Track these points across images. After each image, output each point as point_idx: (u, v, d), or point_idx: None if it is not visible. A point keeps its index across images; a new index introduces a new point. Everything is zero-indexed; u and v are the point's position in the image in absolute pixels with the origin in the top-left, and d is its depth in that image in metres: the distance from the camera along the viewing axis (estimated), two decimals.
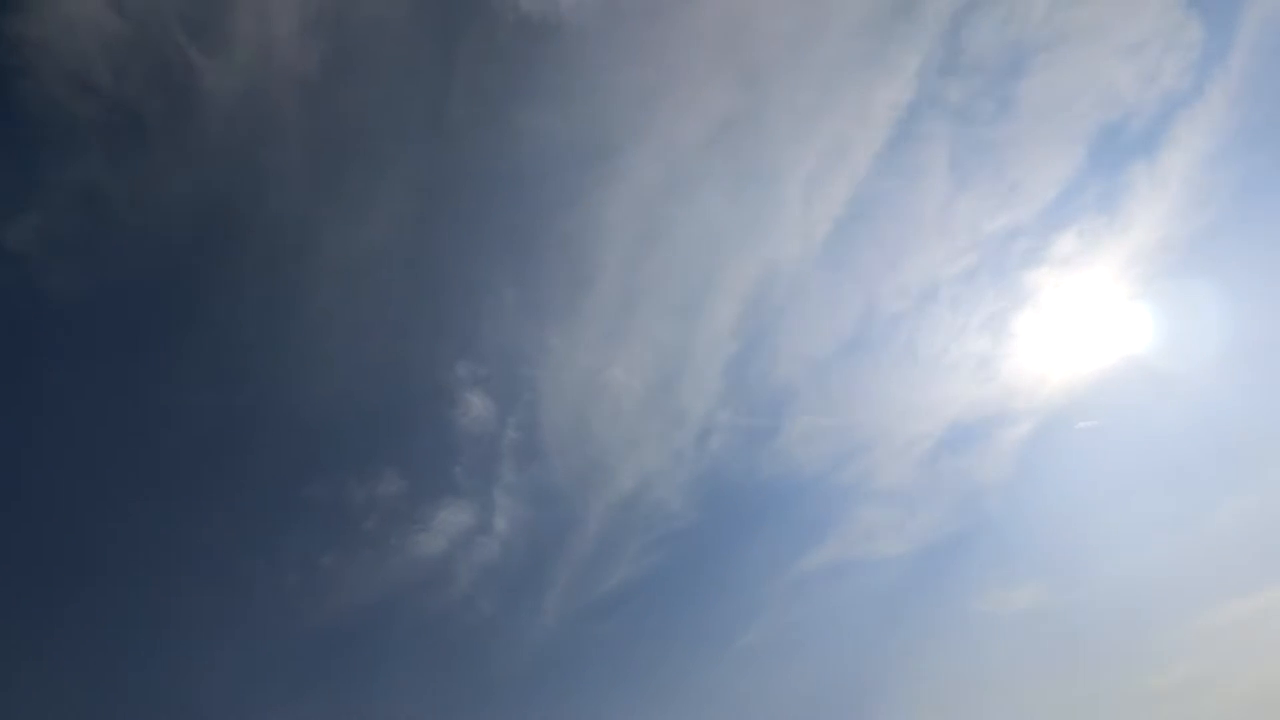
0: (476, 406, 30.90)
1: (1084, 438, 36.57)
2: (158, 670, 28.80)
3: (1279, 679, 32.99)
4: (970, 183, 33.39)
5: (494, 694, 34.46)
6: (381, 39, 22.71)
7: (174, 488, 26.74)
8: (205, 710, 28.79)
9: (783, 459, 36.38)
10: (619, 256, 30.25)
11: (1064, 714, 34.43)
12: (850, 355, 35.84)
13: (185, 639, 29.25)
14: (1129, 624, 35.76)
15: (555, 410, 32.70)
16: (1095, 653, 35.77)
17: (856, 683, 36.79)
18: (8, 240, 21.13)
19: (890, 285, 34.70)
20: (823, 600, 37.74)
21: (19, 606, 25.22)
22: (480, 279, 27.75)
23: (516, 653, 34.92)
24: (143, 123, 20.61)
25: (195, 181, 22.33)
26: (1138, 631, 35.56)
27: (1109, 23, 31.32)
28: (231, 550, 29.55)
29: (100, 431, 25.03)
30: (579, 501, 35.23)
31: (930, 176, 33.00)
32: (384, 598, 33.61)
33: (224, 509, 27.99)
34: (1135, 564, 36.27)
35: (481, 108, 24.54)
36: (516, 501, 34.03)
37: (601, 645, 36.63)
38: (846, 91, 30.00)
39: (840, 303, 34.61)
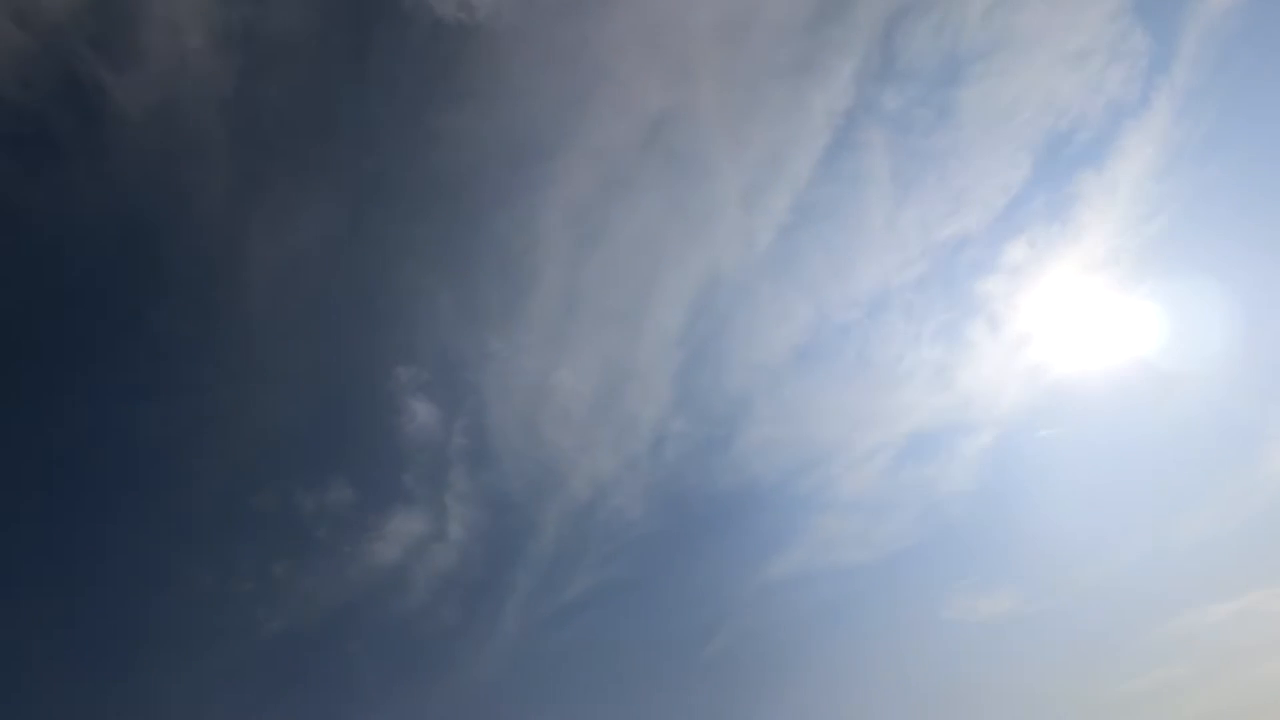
0: (421, 413, 30.97)
1: (1046, 446, 36.59)
2: (116, 680, 29.03)
3: (1255, 684, 32.69)
4: (915, 191, 33.66)
5: (458, 701, 34.29)
6: (295, 48, 22.98)
7: (117, 500, 27.06)
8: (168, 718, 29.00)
9: (739, 468, 36.54)
10: (557, 260, 30.31)
11: None
12: (802, 365, 35.91)
13: (143, 648, 29.48)
14: (1101, 630, 35.51)
15: (503, 416, 32.71)
16: (1068, 659, 35.50)
17: (826, 690, 36.48)
18: None
19: (840, 294, 34.82)
20: (789, 608, 37.58)
21: None
22: (414, 284, 27.92)
23: (480, 660, 34.83)
24: (52, 136, 20.98)
25: (113, 194, 22.64)
26: (1111, 637, 35.36)
27: (1049, 31, 31.44)
28: (183, 560, 29.78)
29: (36, 445, 25.36)
30: (534, 507, 35.20)
31: (873, 184, 33.12)
32: (343, 606, 33.65)
33: (172, 519, 28.27)
34: (1105, 571, 36.07)
35: (400, 111, 24.77)
36: (470, 508, 34.00)
37: (566, 653, 36.40)
38: (781, 95, 30.14)
39: (789, 311, 34.65)
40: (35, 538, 27.39)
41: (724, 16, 27.86)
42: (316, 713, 32.23)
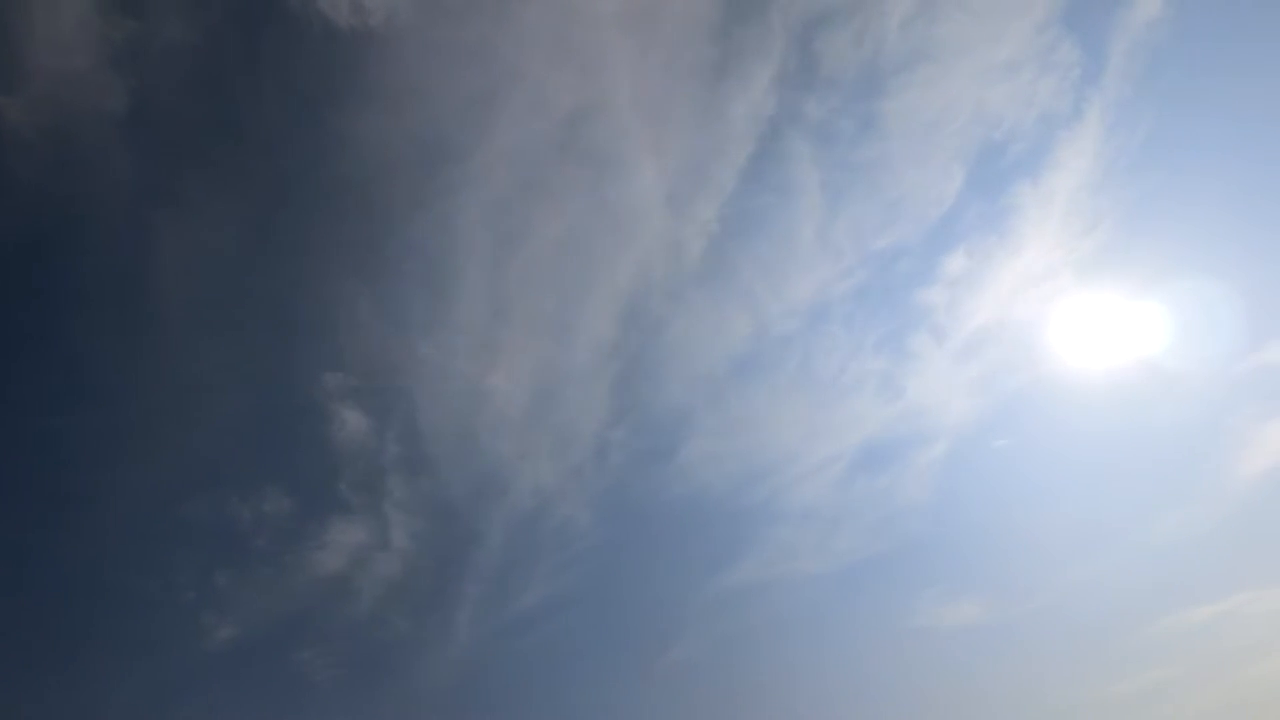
0: (351, 421, 30.96)
1: (1001, 456, 36.53)
2: (60, 688, 29.48)
3: (1242, 685, 32.18)
4: (845, 202, 33.59)
5: (415, 711, 34.16)
6: (184, 61, 23.18)
7: (44, 509, 27.49)
8: None
9: (686, 478, 36.44)
10: (479, 263, 30.06)
11: None
12: (743, 376, 35.89)
13: (83, 655, 29.91)
14: (1080, 634, 34.85)
15: (437, 422, 32.53)
16: (1048, 664, 34.88)
17: (793, 699, 35.65)
18: None
19: (777, 305, 34.84)
20: (749, 618, 37.28)
21: None
22: (332, 289, 27.95)
23: (436, 669, 34.67)
24: None
25: (16, 211, 23.08)
26: (1090, 641, 34.68)
27: (975, 42, 31.38)
28: (119, 568, 30.10)
29: None
30: (478, 515, 34.93)
31: (802, 195, 33.10)
32: (293, 615, 33.71)
33: (103, 528, 28.62)
34: (1078, 577, 35.53)
35: (299, 116, 24.82)
36: (411, 516, 33.79)
37: (524, 662, 36.26)
38: (698, 98, 29.93)
39: (726, 323, 34.66)
40: None
41: (630, 15, 27.50)
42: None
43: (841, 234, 33.66)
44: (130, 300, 25.74)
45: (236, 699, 32.14)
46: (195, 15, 22.67)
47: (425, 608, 34.74)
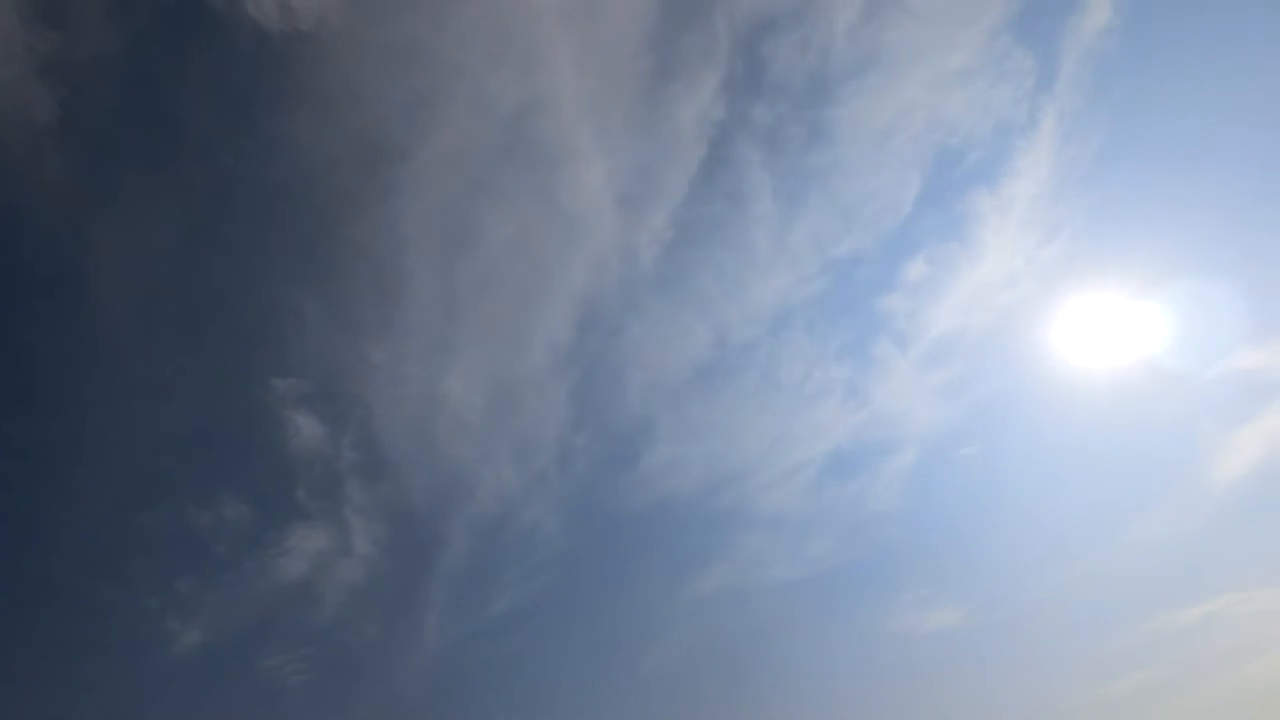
0: (306, 427, 30.84)
1: (973, 463, 36.51)
2: (25, 698, 29.69)
3: (1233, 686, 31.96)
4: (800, 209, 33.55)
5: (387, 715, 34.12)
6: (112, 69, 23.17)
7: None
8: None
9: (652, 485, 36.49)
10: (428, 265, 29.80)
11: None
12: (706, 384, 35.96)
13: (47, 665, 30.08)
14: (1066, 637, 34.71)
15: (393, 427, 32.29)
16: (1034, 666, 34.61)
17: (772, 704, 35.50)
18: None
19: (737, 312, 34.80)
20: (724, 623, 37.32)
21: None
22: (277, 293, 27.81)
23: (407, 674, 34.63)
24: None
25: None
26: (1078, 644, 34.48)
27: (925, 49, 30.85)
28: (75, 574, 30.21)
29: None
30: (440, 519, 34.86)
31: (755, 202, 33.07)
32: (259, 620, 33.76)
33: (57, 534, 28.75)
34: (1057, 581, 35.28)
35: (232, 120, 24.70)
36: (372, 521, 33.69)
37: (496, 667, 36.18)
38: (645, 101, 29.66)
39: (686, 330, 34.62)
40: None
41: (571, 14, 27.14)
42: None
43: (799, 241, 33.76)
44: (73, 307, 25.87)
45: (207, 705, 32.30)
46: (121, 23, 22.68)
47: (393, 612, 34.79)
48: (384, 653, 34.65)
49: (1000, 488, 36.42)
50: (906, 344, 35.18)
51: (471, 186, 28.84)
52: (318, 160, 26.35)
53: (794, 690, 35.57)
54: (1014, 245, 33.28)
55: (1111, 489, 34.67)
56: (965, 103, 31.63)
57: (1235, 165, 31.62)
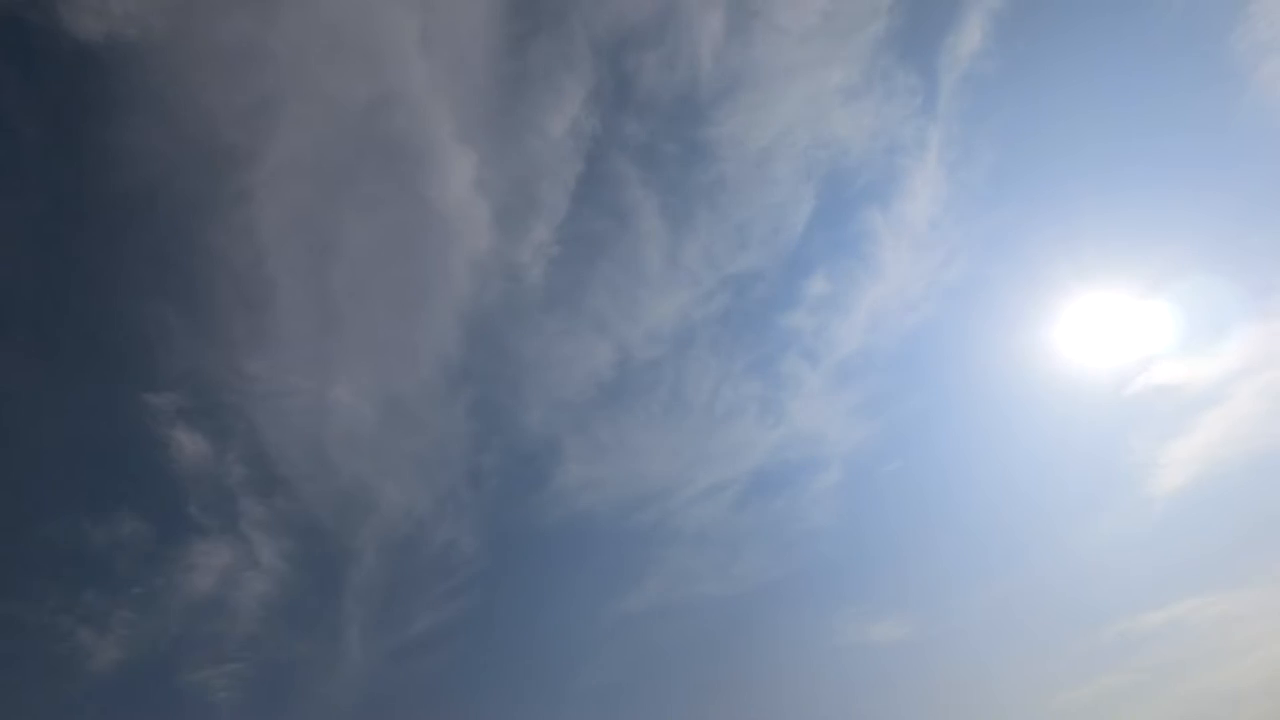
0: (189, 443, 30.39)
1: (904, 479, 36.62)
2: None
3: (1192, 695, 31.68)
4: (690, 226, 33.23)
5: None
6: None
7: None
8: None
9: (566, 504, 36.13)
10: (292, 272, 28.90)
11: None
12: (611, 403, 35.61)
13: None
14: (1019, 645, 34.75)
15: (281, 440, 31.44)
16: (990, 675, 34.52)
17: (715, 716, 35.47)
18: None
19: (637, 330, 34.51)
20: (657, 640, 36.97)
21: None
22: (135, 307, 27.46)
23: (334, 688, 34.03)
24: None
25: None
26: (1039, 650, 34.46)
27: (800, 67, 30.42)
28: None
29: None
30: (346, 534, 34.16)
31: (641, 219, 32.88)
32: (175, 636, 33.67)
33: None
34: (1004, 590, 35.10)
35: (64, 132, 24.49)
36: (275, 536, 33.11)
37: (427, 684, 35.59)
38: (506, 100, 28.90)
39: (585, 348, 34.15)
40: None
41: (411, 11, 25.90)
42: None
43: (692, 258, 33.63)
44: None
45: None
46: None
47: (312, 626, 34.41)
48: (309, 668, 34.23)
49: (933, 502, 36.44)
50: (816, 360, 35.24)
51: (329, 189, 27.94)
52: (160, 169, 25.92)
53: (735, 704, 34.88)
54: (912, 268, 33.53)
55: (1048, 501, 34.60)
56: (852, 122, 31.53)
57: (1125, 180, 31.77)
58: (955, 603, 34.79)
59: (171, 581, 32.71)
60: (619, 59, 29.53)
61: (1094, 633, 33.71)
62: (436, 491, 34.20)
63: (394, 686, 34.69)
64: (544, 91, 28.81)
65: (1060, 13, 31.37)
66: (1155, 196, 31.67)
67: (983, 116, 32.10)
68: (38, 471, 29.28)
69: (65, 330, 27.23)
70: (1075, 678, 33.20)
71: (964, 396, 35.35)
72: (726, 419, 35.70)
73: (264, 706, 33.23)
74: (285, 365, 30.01)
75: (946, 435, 36.16)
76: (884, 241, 33.75)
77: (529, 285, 32.09)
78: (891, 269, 33.92)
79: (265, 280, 28.40)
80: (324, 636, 34.23)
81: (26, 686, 31.16)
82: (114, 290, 27.05)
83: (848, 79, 30.62)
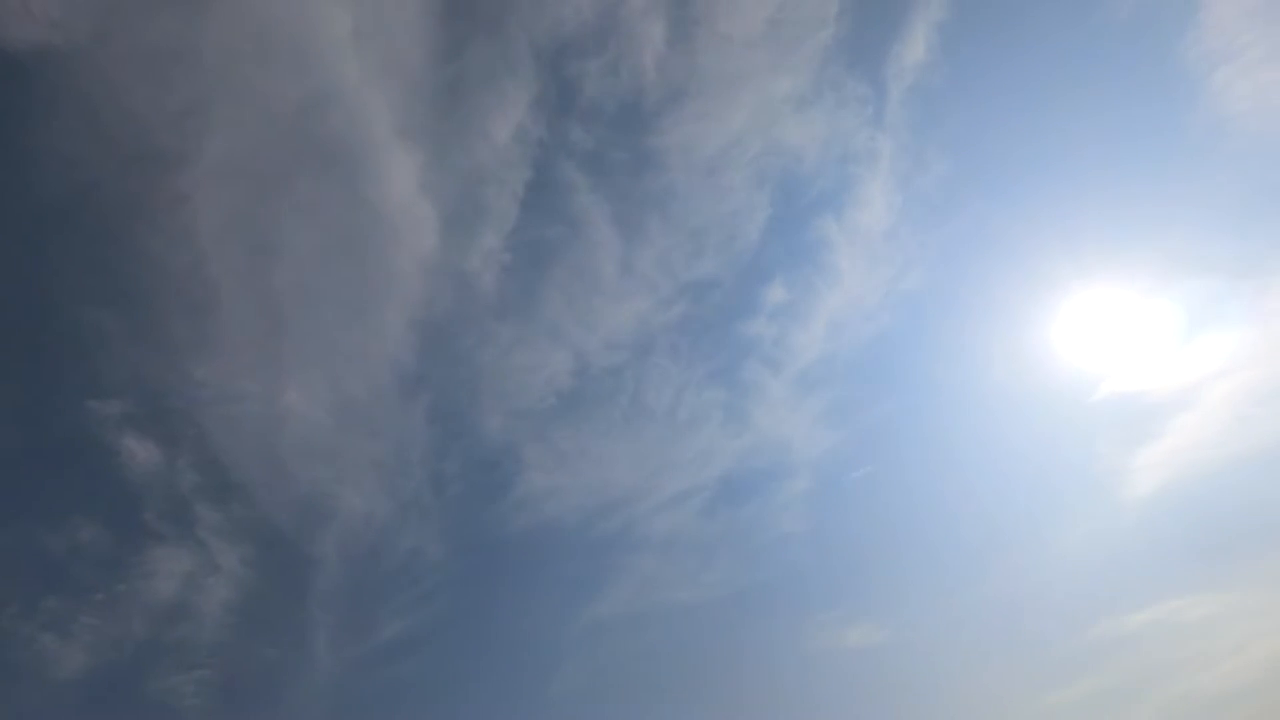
0: (139, 450, 30.13)
1: (875, 485, 36.53)
2: None
3: (1188, 689, 31.93)
4: (644, 234, 32.87)
5: None
6: None
7: None
8: None
9: (531, 511, 35.93)
10: (234, 275, 28.41)
11: None
12: (572, 410, 35.23)
13: None
14: (1007, 646, 34.97)
15: (233, 446, 31.11)
16: (978, 677, 34.88)
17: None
18: None
19: (595, 338, 34.17)
20: (629, 647, 37.11)
21: None
22: (72, 314, 27.08)
23: (305, 695, 34.04)
24: None
25: None
26: (1023, 652, 34.72)
27: (747, 75, 29.98)
28: None
29: None
30: (307, 540, 34.04)
31: (593, 226, 32.44)
32: (141, 642, 33.71)
33: None
34: (982, 594, 35.20)
35: None
36: (233, 542, 33.06)
37: (398, 691, 35.63)
38: (447, 102, 28.45)
39: (543, 357, 33.78)
40: None
41: (342, 10, 25.19)
42: None
43: (648, 266, 33.33)
44: None
45: None
46: None
47: (280, 632, 34.40)
48: (279, 675, 34.23)
49: (905, 509, 36.37)
50: (778, 368, 34.99)
51: (267, 190, 27.40)
52: (91, 175, 25.44)
53: (711, 709, 35.11)
54: (870, 276, 33.31)
55: (1021, 507, 34.46)
56: (804, 130, 31.25)
57: (1079, 188, 31.61)
58: (933, 607, 35.14)
59: (133, 587, 32.77)
60: (561, 65, 29.32)
61: (1075, 635, 33.88)
62: (398, 499, 34.20)
63: (364, 693, 34.78)
64: (486, 94, 28.46)
65: (1004, 25, 31.52)
66: (1111, 204, 31.83)
67: (932, 127, 32.33)
68: None
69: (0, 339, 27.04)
70: (1059, 680, 33.38)
71: (930, 404, 35.69)
72: (690, 426, 35.69)
73: (234, 713, 33.40)
74: (234, 370, 29.69)
75: (915, 443, 36.41)
76: (840, 250, 33.82)
77: (481, 293, 31.91)
78: (849, 277, 34.02)
79: (207, 285, 28.01)
80: (292, 643, 34.38)
81: None
82: (49, 298, 26.77)
83: (797, 87, 30.57)
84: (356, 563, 34.44)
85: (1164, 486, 32.09)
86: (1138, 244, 31.46)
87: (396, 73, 26.78)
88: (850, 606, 35.44)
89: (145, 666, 33.29)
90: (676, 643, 36.07)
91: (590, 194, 31.79)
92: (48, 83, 24.19)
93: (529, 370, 33.86)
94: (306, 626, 34.25)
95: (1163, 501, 32.05)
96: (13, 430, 28.26)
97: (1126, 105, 31.31)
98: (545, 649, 36.58)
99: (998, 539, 35.20)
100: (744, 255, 33.86)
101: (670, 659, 35.89)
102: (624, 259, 33.03)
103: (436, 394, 33.17)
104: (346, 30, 25.65)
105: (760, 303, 34.92)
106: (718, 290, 34.37)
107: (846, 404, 35.92)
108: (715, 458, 36.11)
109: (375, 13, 25.82)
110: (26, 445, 28.74)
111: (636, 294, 33.58)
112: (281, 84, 25.98)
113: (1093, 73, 31.07)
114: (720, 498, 36.64)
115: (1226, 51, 29.29)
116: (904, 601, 35.43)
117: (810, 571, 36.66)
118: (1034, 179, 32.70)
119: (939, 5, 30.63)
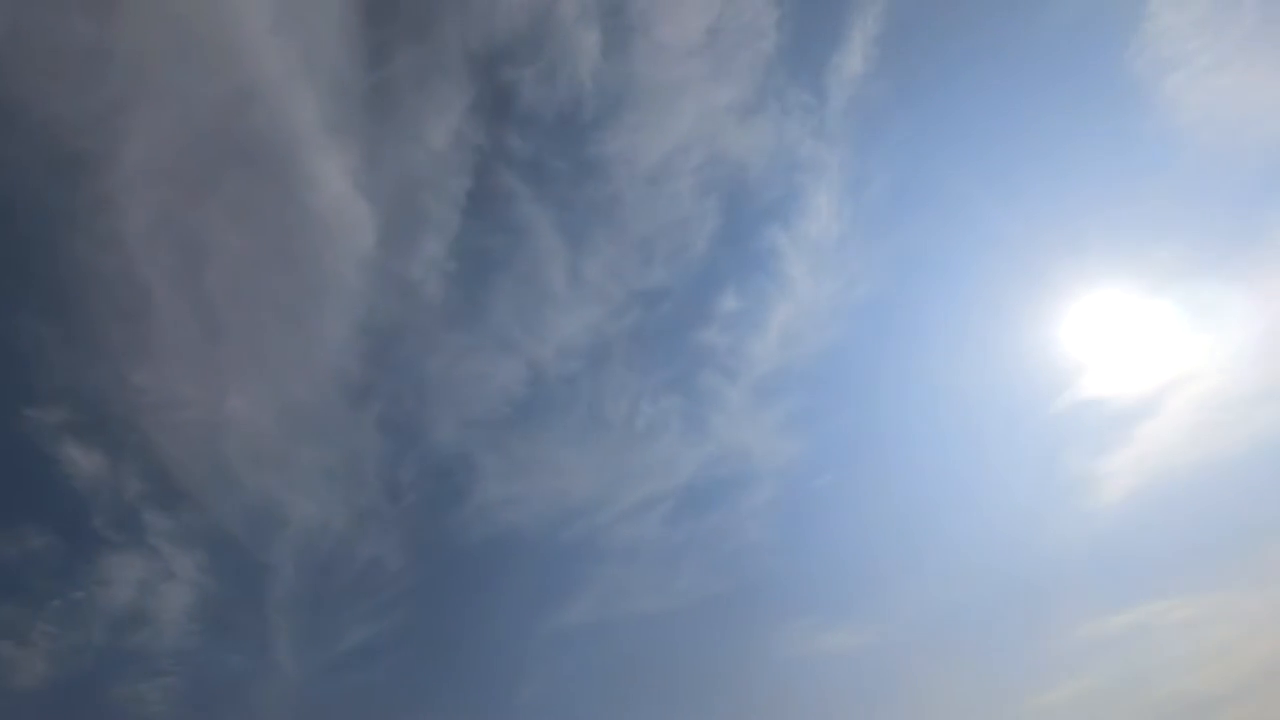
0: (81, 458, 29.70)
1: (835, 493, 36.41)
2: None
3: (1176, 690, 31.39)
4: (591, 243, 32.72)
5: None
6: None
7: None
8: None
9: (489, 520, 35.57)
10: (165, 279, 27.79)
11: None
12: (527, 419, 34.95)
13: None
14: (989, 649, 34.46)
15: (178, 453, 30.62)
16: (961, 680, 34.37)
17: None
18: None
19: (546, 347, 33.91)
20: (596, 655, 36.80)
21: None
22: (1, 321, 26.69)
23: (271, 701, 33.78)
24: None
25: None
26: (1005, 655, 34.17)
27: (687, 83, 29.65)
28: None
29: None
30: (261, 547, 33.54)
31: (538, 235, 32.16)
32: (102, 649, 33.55)
33: None
34: (959, 598, 34.93)
35: None
36: (186, 549, 32.63)
37: (360, 697, 35.18)
38: (378, 103, 27.78)
39: (492, 366, 33.42)
40: None
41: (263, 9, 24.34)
42: None
43: (597, 275, 33.17)
44: None
45: None
46: None
47: (242, 638, 34.14)
48: (243, 681, 33.93)
49: (875, 517, 36.08)
50: (735, 377, 34.70)
51: (194, 190, 26.69)
52: (10, 179, 24.97)
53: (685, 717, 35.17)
54: (820, 286, 33.06)
55: (988, 513, 34.09)
56: (749, 140, 30.90)
57: (1028, 195, 31.33)
58: (908, 613, 34.76)
59: (90, 594, 32.48)
60: (496, 72, 28.78)
61: (1056, 638, 33.40)
62: (354, 507, 33.92)
63: (329, 700, 34.41)
64: (418, 97, 27.83)
65: (944, 38, 31.08)
66: (1066, 212, 31.53)
67: (876, 138, 32.21)
68: None
69: None
70: (1043, 682, 32.90)
71: (894, 413, 35.50)
72: (649, 435, 35.34)
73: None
74: (173, 376, 29.15)
75: (882, 451, 36.31)
76: (791, 259, 33.52)
77: (427, 300, 31.48)
78: (801, 286, 33.75)
79: (138, 289, 27.46)
80: (254, 649, 34.18)
81: None
82: None
83: (740, 96, 30.19)
84: (315, 570, 34.13)
85: (1133, 493, 31.94)
86: (1095, 251, 31.30)
87: (321, 69, 26.01)
88: (824, 612, 35.04)
89: (108, 674, 33.09)
90: (645, 651, 35.78)
91: (533, 203, 31.53)
92: None
93: (481, 379, 33.55)
94: (269, 633, 34.06)
95: (1132, 507, 31.80)
96: None
97: (1073, 113, 31.10)
98: (510, 658, 36.27)
99: (968, 544, 34.83)
100: (694, 264, 33.85)
101: (639, 667, 35.57)
102: (572, 267, 32.78)
103: (386, 402, 32.88)
104: (266, 24, 24.82)
105: (713, 311, 34.83)
106: (670, 299, 34.28)
107: (806, 413, 35.84)
108: (677, 466, 36.01)
109: (294, 7, 24.86)
110: None
111: (587, 302, 33.45)
112: (201, 81, 25.26)
113: (1036, 82, 31.07)
114: (684, 506, 36.44)
115: (1175, 59, 29.04)
116: (880, 607, 35.17)
117: (780, 578, 36.18)
118: (983, 189, 32.40)
119: (875, 18, 30.42)
